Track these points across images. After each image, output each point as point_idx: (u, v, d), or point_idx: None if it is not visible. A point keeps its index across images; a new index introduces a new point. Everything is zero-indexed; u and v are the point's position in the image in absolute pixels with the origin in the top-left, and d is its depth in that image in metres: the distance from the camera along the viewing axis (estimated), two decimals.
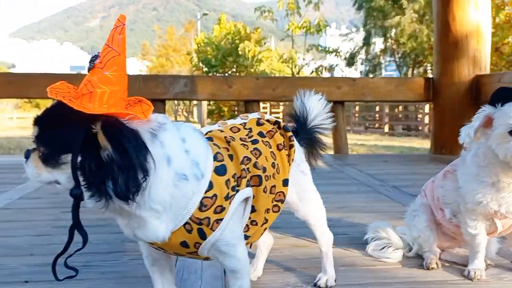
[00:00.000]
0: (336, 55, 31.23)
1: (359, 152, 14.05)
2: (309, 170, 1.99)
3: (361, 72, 38.48)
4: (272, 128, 1.79)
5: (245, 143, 1.64)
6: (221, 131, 1.66)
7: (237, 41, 33.02)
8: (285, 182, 1.73)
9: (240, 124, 1.77)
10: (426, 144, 16.41)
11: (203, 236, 1.40)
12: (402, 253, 2.32)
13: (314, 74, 29.59)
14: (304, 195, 1.91)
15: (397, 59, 32.86)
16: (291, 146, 1.81)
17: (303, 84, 7.13)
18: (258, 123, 1.80)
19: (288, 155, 1.80)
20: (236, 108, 30.56)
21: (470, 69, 6.43)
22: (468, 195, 2.03)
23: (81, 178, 1.28)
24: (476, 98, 6.41)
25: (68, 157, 1.27)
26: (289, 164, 1.79)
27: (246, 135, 1.70)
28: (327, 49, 31.27)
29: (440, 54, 6.72)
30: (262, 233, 1.72)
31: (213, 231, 1.40)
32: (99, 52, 1.31)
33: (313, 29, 28.22)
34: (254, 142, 1.67)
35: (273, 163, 1.68)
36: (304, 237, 2.68)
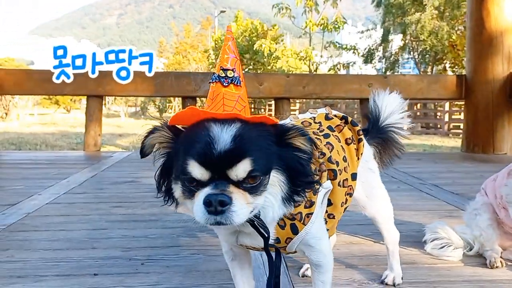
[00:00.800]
0: (354, 52, 30.99)
1: None
2: (378, 168, 1.99)
3: (377, 70, 38.15)
4: (340, 123, 1.81)
5: (317, 136, 1.65)
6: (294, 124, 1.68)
7: (254, 38, 32.98)
8: (354, 176, 1.74)
9: (310, 118, 1.79)
10: (447, 142, 16.24)
11: (295, 231, 1.42)
12: (462, 252, 2.31)
13: (332, 72, 29.43)
14: (372, 192, 1.92)
15: (416, 57, 32.48)
16: (360, 140, 1.82)
17: (334, 81, 7.15)
18: (327, 118, 1.81)
19: (357, 149, 1.81)
20: (262, 106, 30.57)
21: (504, 66, 6.35)
22: None
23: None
24: (511, 95, 6.33)
25: (268, 177, 1.27)
26: (358, 159, 1.80)
27: (318, 129, 1.72)
28: (344, 46, 31.09)
29: (474, 51, 6.64)
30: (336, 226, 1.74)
31: (305, 225, 1.42)
32: (229, 66, 1.33)
33: (331, 26, 28.08)
34: (326, 136, 1.69)
35: (344, 157, 1.70)
36: (357, 234, 2.69)
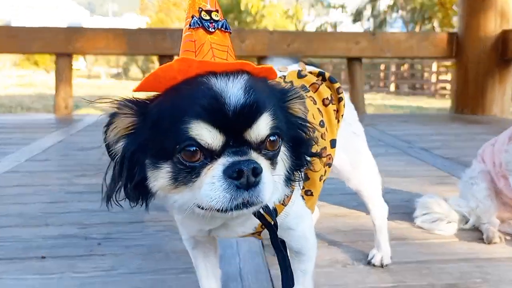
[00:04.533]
0: (342, 11, 30.35)
1: (367, 112, 13.71)
2: (363, 131, 1.73)
3: (365, 30, 37.62)
4: (316, 81, 1.52)
5: None
6: None
7: None
8: (333, 143, 1.47)
9: (280, 77, 1.49)
10: (434, 103, 16.09)
11: (274, 214, 1.14)
12: (456, 226, 2.09)
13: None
14: (357, 161, 1.66)
15: (405, 15, 31.91)
16: (340, 100, 1.54)
17: (320, 39, 6.77)
18: (300, 75, 1.52)
19: (337, 111, 1.53)
20: None
21: (497, 23, 6.06)
22: None
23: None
24: (502, 54, 6.08)
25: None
26: (338, 121, 1.53)
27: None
28: (332, 4, 30.35)
29: (465, 6, 6.32)
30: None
31: (284, 206, 1.16)
32: (210, 7, 1.00)
33: None
34: None
35: (321, 121, 1.42)
36: (342, 205, 2.46)
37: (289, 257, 1.30)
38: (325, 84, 1.55)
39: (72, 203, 2.52)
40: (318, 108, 1.45)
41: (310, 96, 1.46)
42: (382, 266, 1.74)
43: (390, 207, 1.81)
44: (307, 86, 1.49)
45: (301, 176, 1.08)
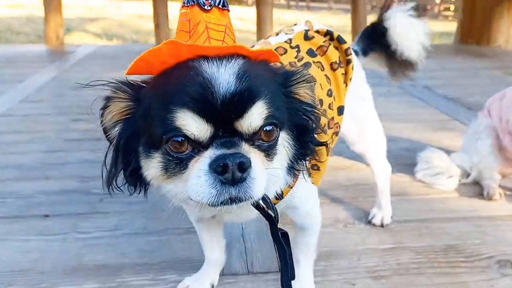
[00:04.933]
0: None
1: None
2: (370, 94, 1.66)
3: None
4: (324, 42, 1.43)
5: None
6: None
7: None
8: (341, 111, 1.42)
9: (286, 41, 1.40)
10: (437, 26, 15.58)
11: (279, 195, 1.10)
12: (457, 180, 2.09)
13: None
14: (363, 126, 1.62)
15: None
16: (348, 62, 1.46)
17: None
18: (306, 37, 1.43)
19: (345, 73, 1.46)
20: None
21: None
22: None
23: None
24: None
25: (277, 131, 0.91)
26: (346, 85, 1.47)
27: (295, 57, 1.35)
28: None
29: None
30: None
31: (291, 188, 1.12)
32: None
33: None
34: (306, 66, 1.32)
35: (329, 90, 1.36)
36: (342, 156, 2.44)
37: (294, 230, 1.31)
38: (333, 44, 1.46)
39: (71, 153, 2.50)
40: (325, 75, 1.37)
41: (318, 62, 1.38)
42: (382, 225, 1.76)
43: (391, 157, 1.78)
44: (315, 49, 1.41)
45: (305, 165, 1.04)
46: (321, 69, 1.37)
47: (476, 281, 1.45)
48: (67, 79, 4.22)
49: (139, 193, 0.99)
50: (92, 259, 1.57)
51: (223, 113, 0.81)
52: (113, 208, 1.91)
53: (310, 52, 1.39)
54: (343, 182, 2.16)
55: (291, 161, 0.98)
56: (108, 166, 0.96)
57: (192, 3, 0.88)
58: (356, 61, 1.57)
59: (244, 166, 0.80)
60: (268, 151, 0.89)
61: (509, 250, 1.61)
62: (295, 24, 1.52)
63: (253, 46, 1.38)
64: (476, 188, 2.08)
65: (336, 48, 1.46)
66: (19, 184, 2.13)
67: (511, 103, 1.96)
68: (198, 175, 0.81)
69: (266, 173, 0.87)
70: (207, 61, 0.85)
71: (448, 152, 2.21)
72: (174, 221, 1.81)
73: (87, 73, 4.42)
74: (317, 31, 1.49)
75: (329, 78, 1.39)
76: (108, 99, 0.93)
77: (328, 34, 1.48)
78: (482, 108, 2.16)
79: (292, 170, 1.00)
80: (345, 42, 1.47)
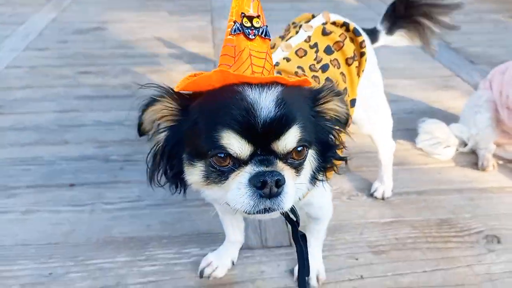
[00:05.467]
0: None
1: None
2: (381, 79, 1.74)
3: None
4: (340, 35, 1.51)
5: (315, 73, 1.38)
6: (288, 59, 1.37)
7: None
8: (353, 103, 1.52)
9: (305, 40, 1.46)
10: None
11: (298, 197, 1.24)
12: (454, 149, 2.22)
13: None
14: (372, 111, 1.71)
15: None
16: (362, 55, 1.54)
17: None
18: (324, 33, 1.50)
19: (359, 65, 1.54)
20: None
21: None
22: None
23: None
24: None
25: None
26: (359, 76, 1.55)
27: (315, 59, 1.42)
28: None
29: None
30: None
31: (309, 191, 1.25)
32: (253, 12, 0.98)
33: None
34: (324, 69, 1.42)
35: (345, 89, 1.45)
36: None
37: (306, 218, 1.46)
38: (348, 36, 1.52)
39: (84, 113, 2.58)
40: (341, 72, 1.45)
41: (335, 59, 1.46)
42: (383, 198, 1.92)
43: (393, 121, 1.86)
44: (331, 45, 1.47)
45: (325, 175, 1.16)
46: (337, 67, 1.44)
47: (465, 256, 1.63)
48: (67, 21, 4.16)
49: (179, 193, 1.10)
50: (121, 232, 1.73)
51: (262, 135, 0.93)
52: (134, 177, 2.04)
53: (327, 50, 1.45)
54: (347, 150, 2.27)
55: (313, 172, 1.10)
56: (150, 164, 1.07)
57: (238, 32, 0.97)
58: (370, 48, 1.63)
59: (280, 183, 0.93)
60: (298, 167, 1.01)
61: (497, 225, 1.79)
62: (313, 16, 1.55)
63: (273, 46, 1.44)
64: (471, 157, 2.22)
65: (351, 39, 1.52)
66: (40, 148, 2.24)
67: (511, 78, 2.04)
68: (238, 187, 0.94)
69: (295, 188, 1.00)
70: (250, 87, 0.95)
71: (448, 115, 2.32)
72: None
73: (88, 16, 4.34)
74: (334, 23, 1.53)
75: (344, 75, 1.46)
76: (154, 100, 1.02)
77: (344, 25, 1.53)
78: (483, 63, 2.22)
79: (314, 179, 1.12)
80: (360, 35, 1.53)
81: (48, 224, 1.76)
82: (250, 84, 0.96)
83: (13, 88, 2.86)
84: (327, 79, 1.39)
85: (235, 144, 0.92)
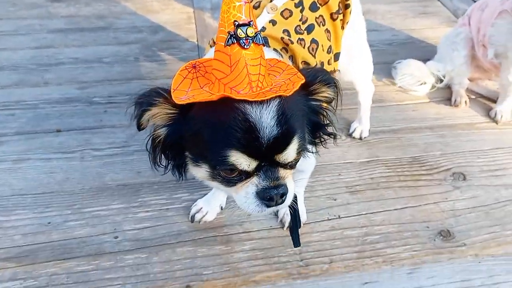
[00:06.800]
0: None
1: None
2: (364, 26, 1.76)
3: None
4: None
5: (301, 36, 1.40)
6: (274, 22, 1.38)
7: None
8: (337, 57, 1.57)
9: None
10: None
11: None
12: (430, 86, 2.31)
13: None
14: (354, 58, 1.75)
15: None
16: (347, 7, 1.55)
17: None
18: None
19: (343, 17, 1.56)
20: None
21: None
22: None
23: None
24: None
25: None
26: (343, 29, 1.58)
27: (300, 19, 1.43)
28: None
29: None
30: None
31: None
32: (245, 18, 0.96)
33: None
34: (309, 30, 1.43)
35: (329, 47, 1.49)
36: None
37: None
38: None
39: (61, 49, 2.52)
40: (326, 29, 1.48)
41: (320, 15, 1.47)
42: (361, 138, 2.03)
43: (373, 53, 1.89)
44: (317, 1, 1.47)
45: (315, 149, 1.23)
46: (322, 25, 1.46)
47: (432, 194, 1.79)
48: None
49: (182, 179, 1.18)
50: (113, 179, 1.81)
51: (266, 151, 1.00)
52: (118, 121, 2.08)
53: (313, 6, 1.46)
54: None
55: None
56: (150, 154, 1.12)
57: (233, 43, 0.96)
58: None
59: (284, 194, 1.05)
60: (295, 165, 1.10)
61: (463, 162, 1.93)
62: None
63: (259, 6, 1.42)
64: (446, 92, 2.31)
65: None
66: (22, 91, 2.23)
67: (490, 17, 2.06)
68: (246, 196, 1.06)
69: (294, 185, 1.11)
70: (251, 104, 0.97)
71: (427, 46, 2.37)
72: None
73: None
74: None
75: (329, 32, 1.49)
76: (152, 103, 1.02)
77: None
78: None
79: (305, 153, 1.18)
80: None
81: (42, 173, 1.83)
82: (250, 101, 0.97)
83: None
84: (312, 41, 1.41)
85: (243, 162, 1.00)
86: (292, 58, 1.36)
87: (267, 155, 1.01)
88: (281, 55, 1.32)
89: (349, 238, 1.62)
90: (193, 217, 1.67)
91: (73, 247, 1.56)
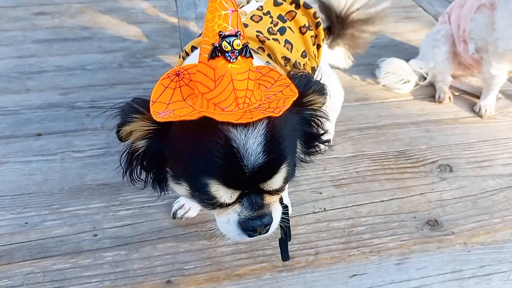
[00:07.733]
0: None
1: None
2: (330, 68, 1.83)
3: None
4: (292, 8, 1.53)
5: (274, 36, 1.40)
6: (245, 24, 1.38)
7: None
8: (313, 72, 1.54)
9: (258, 9, 1.49)
10: None
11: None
12: (414, 84, 2.31)
13: None
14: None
15: None
16: (318, 25, 1.57)
17: None
18: (276, 3, 1.52)
19: (317, 36, 1.58)
20: None
21: None
22: (503, 40, 1.92)
23: None
24: None
25: None
26: (320, 46, 1.59)
27: (271, 22, 1.45)
28: None
29: None
30: None
31: None
32: (232, 29, 0.86)
33: None
34: (282, 31, 1.44)
35: (303, 52, 1.49)
36: None
37: None
38: (300, 11, 1.55)
39: (44, 58, 2.51)
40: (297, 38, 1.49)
41: (288, 27, 1.48)
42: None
43: (357, 56, 1.97)
44: (284, 14, 1.50)
45: (310, 158, 1.17)
46: (292, 32, 1.48)
47: (419, 185, 1.77)
48: None
49: (164, 193, 1.14)
50: (94, 179, 1.77)
51: (250, 180, 0.92)
52: (100, 122, 2.04)
53: (281, 18, 1.49)
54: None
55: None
56: (125, 166, 1.06)
57: (217, 56, 0.86)
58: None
59: (268, 224, 0.98)
60: (283, 190, 1.03)
61: (450, 155, 1.92)
62: None
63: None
64: (429, 90, 2.32)
65: (303, 14, 1.56)
66: (2, 98, 2.20)
67: (469, 12, 2.09)
68: (227, 222, 0.99)
69: (280, 209, 1.05)
70: (235, 128, 0.88)
71: (409, 48, 2.40)
72: None
73: None
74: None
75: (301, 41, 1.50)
76: (131, 117, 0.96)
77: (294, 2, 1.55)
78: None
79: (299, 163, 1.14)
80: (311, 7, 1.58)
81: (20, 175, 1.78)
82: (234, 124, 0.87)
83: None
84: (286, 41, 1.41)
85: (224, 194, 0.93)
86: (271, 56, 1.33)
87: (251, 183, 0.93)
88: (269, 62, 1.26)
89: (335, 230, 1.58)
90: (175, 213, 1.63)
91: (50, 246, 1.51)
